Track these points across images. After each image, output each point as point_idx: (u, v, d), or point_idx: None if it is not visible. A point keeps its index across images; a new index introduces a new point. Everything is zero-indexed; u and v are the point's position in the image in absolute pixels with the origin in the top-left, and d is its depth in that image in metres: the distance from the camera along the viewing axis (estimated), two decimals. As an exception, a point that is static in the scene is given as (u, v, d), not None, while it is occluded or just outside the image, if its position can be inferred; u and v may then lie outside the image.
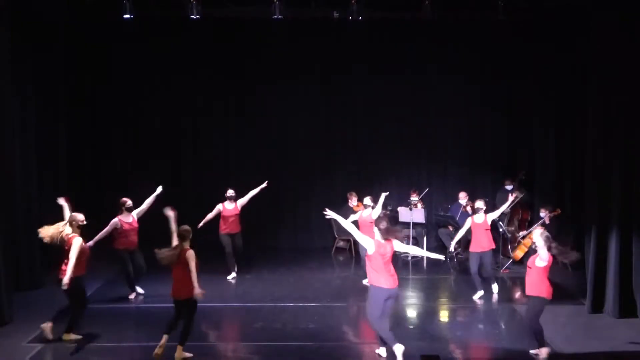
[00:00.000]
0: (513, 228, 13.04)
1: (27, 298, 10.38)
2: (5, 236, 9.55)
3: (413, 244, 13.33)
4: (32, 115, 11.28)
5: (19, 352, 8.27)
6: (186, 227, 8.12)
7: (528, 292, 8.12)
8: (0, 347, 8.42)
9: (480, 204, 10.67)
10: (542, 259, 7.94)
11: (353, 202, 12.97)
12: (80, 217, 8.59)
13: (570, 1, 11.44)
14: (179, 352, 7.89)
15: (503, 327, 9.45)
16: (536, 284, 8.02)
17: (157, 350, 7.84)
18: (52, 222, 8.64)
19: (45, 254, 11.48)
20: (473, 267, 10.53)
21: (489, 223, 10.60)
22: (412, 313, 10.17)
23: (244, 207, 11.75)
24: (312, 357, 8.26)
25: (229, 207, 11.60)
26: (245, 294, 10.90)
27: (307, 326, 9.31)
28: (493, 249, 10.74)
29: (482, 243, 10.48)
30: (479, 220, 10.56)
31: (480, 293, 10.51)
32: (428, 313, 10.20)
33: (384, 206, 11.46)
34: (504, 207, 11.34)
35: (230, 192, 11.62)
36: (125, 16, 11.77)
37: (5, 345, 8.46)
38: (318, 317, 9.71)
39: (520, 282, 10.54)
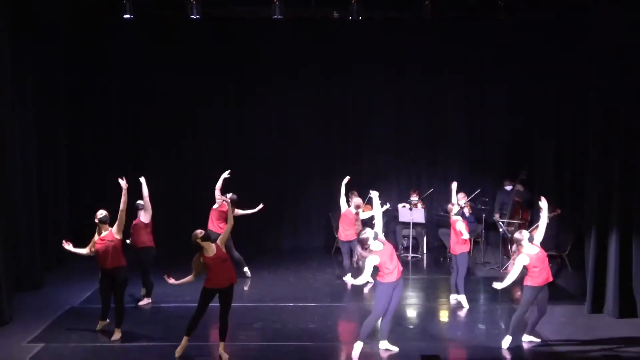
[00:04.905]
0: (513, 228, 13.03)
1: (27, 298, 10.38)
2: (5, 236, 9.55)
3: (413, 244, 13.35)
4: (32, 115, 11.27)
5: (19, 352, 8.27)
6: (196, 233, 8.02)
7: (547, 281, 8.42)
8: (0, 347, 8.42)
9: (456, 208, 10.49)
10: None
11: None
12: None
13: (571, 1, 11.45)
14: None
15: (503, 327, 9.44)
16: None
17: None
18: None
19: (45, 254, 11.52)
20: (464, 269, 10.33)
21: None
22: (412, 313, 10.17)
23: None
24: (312, 357, 8.27)
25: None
26: (245, 294, 10.90)
27: (307, 326, 9.32)
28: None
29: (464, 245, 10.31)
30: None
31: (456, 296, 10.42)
32: (428, 313, 10.20)
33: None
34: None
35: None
36: (125, 16, 11.76)
37: (5, 345, 8.46)
38: (318, 317, 9.71)
39: (520, 282, 10.49)
